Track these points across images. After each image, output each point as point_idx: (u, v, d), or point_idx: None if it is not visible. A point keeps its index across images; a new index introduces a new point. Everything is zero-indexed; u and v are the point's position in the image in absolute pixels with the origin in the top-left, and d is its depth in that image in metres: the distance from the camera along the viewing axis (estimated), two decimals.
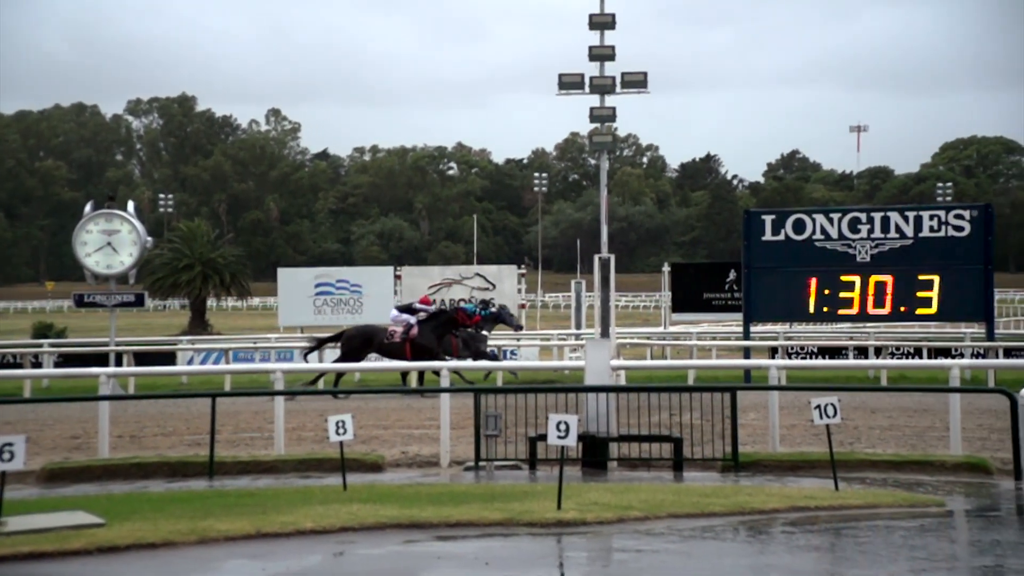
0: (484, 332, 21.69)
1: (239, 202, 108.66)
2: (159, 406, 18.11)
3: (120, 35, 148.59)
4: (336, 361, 20.88)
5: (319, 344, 22.00)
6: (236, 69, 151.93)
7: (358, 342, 21.06)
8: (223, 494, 10.38)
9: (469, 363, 19.45)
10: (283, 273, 32.68)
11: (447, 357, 20.10)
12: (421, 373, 20.13)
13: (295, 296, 30.69)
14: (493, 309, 22.30)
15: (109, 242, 22.61)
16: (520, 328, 23.30)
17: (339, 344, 21.42)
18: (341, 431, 10.00)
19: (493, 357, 21.93)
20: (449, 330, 21.06)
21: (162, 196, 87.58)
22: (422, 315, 21.12)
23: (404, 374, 20.25)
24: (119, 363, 22.45)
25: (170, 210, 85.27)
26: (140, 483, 11.52)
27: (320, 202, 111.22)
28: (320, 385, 20.02)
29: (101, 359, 23.03)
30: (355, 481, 10.47)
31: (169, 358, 25.43)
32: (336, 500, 9.32)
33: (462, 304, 24.03)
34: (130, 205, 23.84)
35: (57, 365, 24.70)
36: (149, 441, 14.65)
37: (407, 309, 21.56)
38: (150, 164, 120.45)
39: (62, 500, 9.85)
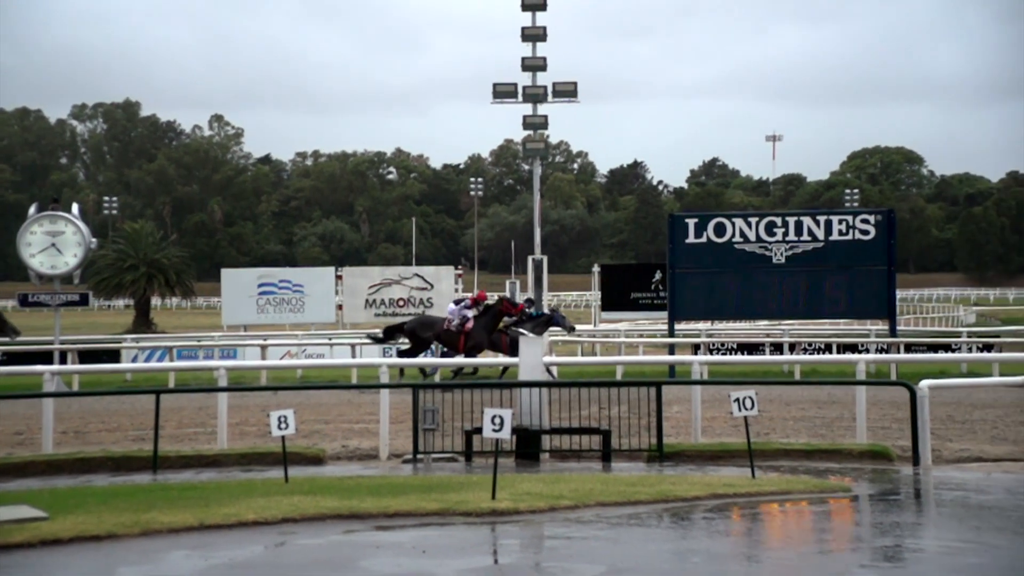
0: (534, 335, 21.20)
1: (183, 205, 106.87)
2: (103, 403, 17.76)
3: (63, 42, 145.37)
4: (405, 351, 21.13)
5: (391, 335, 21.70)
6: (179, 76, 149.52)
7: (421, 331, 21.07)
8: (166, 487, 10.21)
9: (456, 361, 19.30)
10: (227, 273, 32.26)
11: (498, 354, 20.16)
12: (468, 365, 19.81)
13: (238, 296, 30.32)
14: (547, 310, 21.78)
15: (54, 243, 22.13)
16: (572, 330, 22.45)
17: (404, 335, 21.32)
18: (283, 426, 9.90)
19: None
20: (498, 324, 20.80)
21: (107, 199, 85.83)
22: (470, 310, 20.90)
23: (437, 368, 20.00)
24: (63, 361, 21.96)
25: (115, 212, 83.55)
26: (84, 477, 11.27)
27: (263, 205, 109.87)
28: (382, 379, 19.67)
29: (46, 357, 22.49)
30: (296, 474, 10.37)
31: (114, 356, 24.93)
32: (278, 492, 9.22)
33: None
34: (74, 207, 23.35)
35: (1, 363, 24.07)
36: (93, 437, 14.36)
37: (463, 305, 21.30)
38: (95, 168, 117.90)
39: (5, 495, 9.59)
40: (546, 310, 22.27)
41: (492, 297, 24.81)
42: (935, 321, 42.62)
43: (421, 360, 20.28)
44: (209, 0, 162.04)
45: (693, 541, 7.86)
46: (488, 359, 19.97)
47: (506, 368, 18.98)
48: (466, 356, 20.25)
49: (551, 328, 21.30)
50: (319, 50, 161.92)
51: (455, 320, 20.92)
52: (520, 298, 25.51)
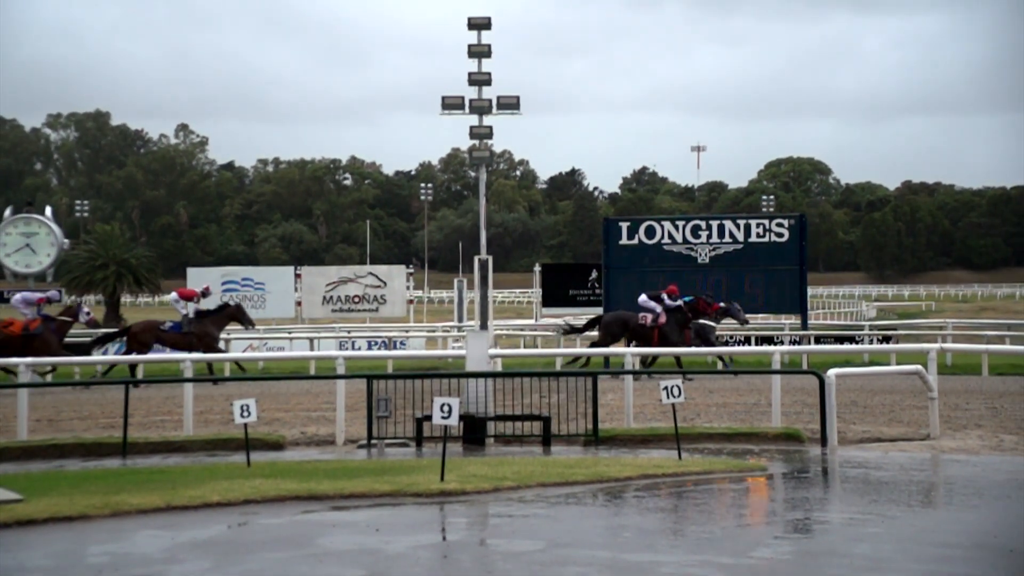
0: (713, 324, 20.52)
1: (151, 208, 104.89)
2: (75, 393, 17.38)
3: (35, 56, 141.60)
4: (595, 345, 20.37)
5: (580, 330, 20.92)
6: (146, 87, 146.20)
7: (616, 327, 20.27)
8: (135, 471, 10.05)
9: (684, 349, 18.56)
10: (192, 272, 31.80)
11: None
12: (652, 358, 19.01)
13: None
14: (722, 304, 20.93)
15: (28, 244, 21.69)
16: (746, 322, 21.74)
17: (595, 329, 20.57)
18: (245, 414, 9.79)
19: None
20: (689, 320, 20.08)
21: (78, 202, 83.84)
22: (657, 309, 20.08)
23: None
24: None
25: (86, 215, 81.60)
26: (57, 462, 11.03)
27: (226, 208, 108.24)
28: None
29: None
30: (258, 459, 10.25)
31: (85, 349, 24.38)
32: (240, 476, 9.11)
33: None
34: (48, 210, 22.91)
35: None
36: (66, 424, 14.04)
37: (656, 298, 20.43)
38: (67, 173, 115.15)
39: None
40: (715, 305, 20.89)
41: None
42: (841, 316, 43.44)
43: (609, 350, 19.34)
44: (171, 17, 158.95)
45: (625, 518, 7.92)
46: (671, 349, 18.57)
47: (678, 361, 18.45)
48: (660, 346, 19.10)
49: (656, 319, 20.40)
50: (276, 64, 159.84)
51: (649, 316, 19.99)
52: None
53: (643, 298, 20.48)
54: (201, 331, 20.41)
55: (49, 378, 18.62)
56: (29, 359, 14.89)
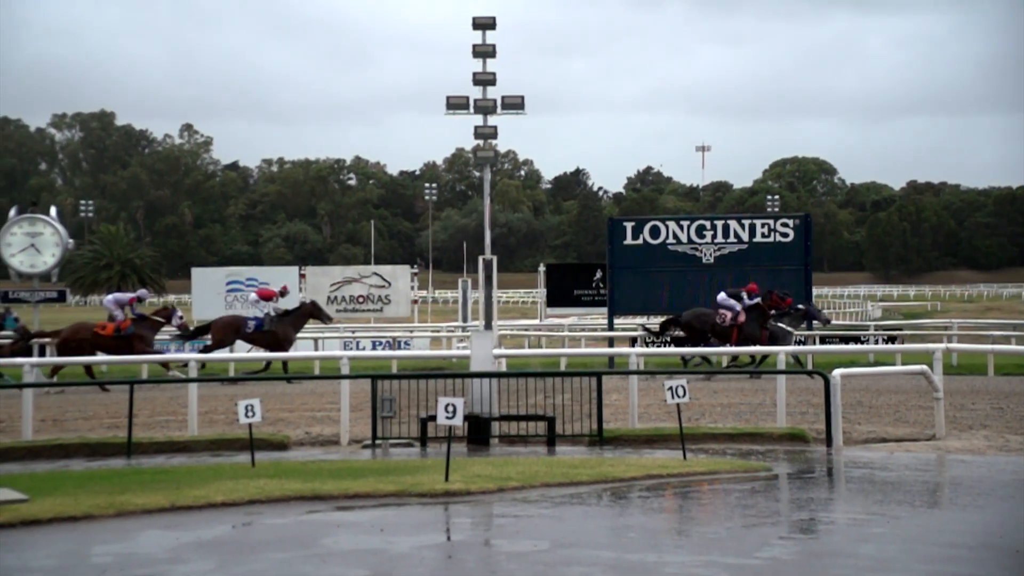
0: (790, 328, 20.37)
1: (155, 208, 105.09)
2: (80, 392, 17.41)
3: (41, 56, 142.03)
4: (681, 343, 20.26)
5: (666, 328, 20.80)
6: (151, 88, 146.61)
7: (698, 324, 20.12)
8: (140, 471, 10.06)
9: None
10: (197, 272, 31.79)
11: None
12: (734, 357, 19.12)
13: (208, 293, 29.87)
14: (801, 306, 20.86)
15: (33, 243, 21.75)
16: (828, 322, 21.56)
17: (679, 328, 20.43)
18: (250, 414, 9.80)
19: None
20: (767, 317, 19.96)
21: (83, 202, 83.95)
22: (736, 307, 19.99)
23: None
24: (42, 354, 21.50)
25: (91, 215, 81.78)
26: (62, 462, 11.05)
27: (231, 208, 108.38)
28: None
29: (25, 350, 21.99)
30: (262, 459, 10.27)
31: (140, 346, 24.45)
32: (245, 476, 9.12)
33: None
34: (53, 210, 22.97)
35: None
36: (70, 424, 14.06)
37: (735, 296, 20.31)
38: (71, 173, 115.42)
39: None
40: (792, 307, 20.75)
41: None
42: (846, 316, 43.37)
43: (702, 349, 19.21)
44: (175, 17, 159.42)
45: (629, 518, 7.91)
46: (749, 348, 18.67)
47: (764, 357, 18.31)
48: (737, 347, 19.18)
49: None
50: (280, 64, 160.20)
51: (728, 314, 19.91)
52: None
53: (722, 296, 20.32)
54: (281, 330, 20.76)
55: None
56: (34, 359, 14.93)
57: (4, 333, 21.23)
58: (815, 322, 21.63)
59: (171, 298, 59.65)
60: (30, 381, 13.58)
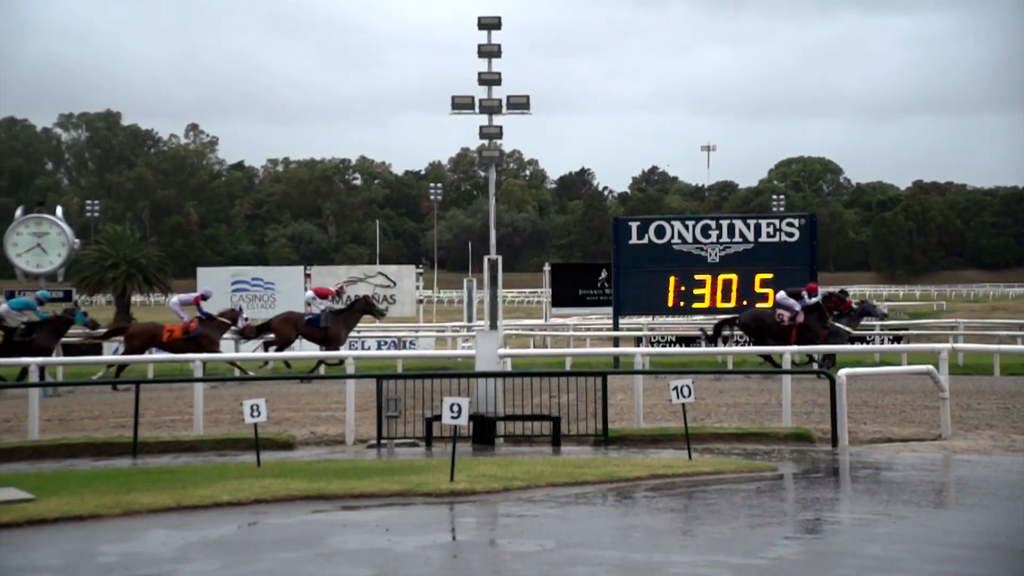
0: (848, 329, 20.21)
1: (161, 208, 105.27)
2: (86, 392, 17.45)
3: (47, 56, 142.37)
4: (733, 344, 20.26)
5: (720, 329, 20.71)
6: (157, 88, 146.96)
7: (756, 325, 19.99)
8: (146, 471, 10.08)
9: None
10: (203, 272, 31.83)
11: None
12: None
13: (214, 293, 29.88)
14: (855, 304, 20.69)
15: (39, 243, 21.81)
16: (886, 316, 21.29)
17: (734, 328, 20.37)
18: (255, 414, 9.81)
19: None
20: (827, 317, 19.79)
21: (89, 202, 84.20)
22: (796, 307, 19.79)
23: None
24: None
25: (96, 215, 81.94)
26: (68, 462, 11.08)
27: (236, 208, 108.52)
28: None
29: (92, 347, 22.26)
30: (268, 458, 10.29)
31: (96, 348, 24.50)
32: (250, 475, 9.14)
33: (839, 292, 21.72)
34: (59, 210, 23.02)
35: None
36: (76, 424, 14.10)
37: (795, 295, 20.12)
38: (77, 173, 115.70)
39: None
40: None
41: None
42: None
43: (769, 348, 18.67)
44: (180, 17, 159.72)
45: (635, 518, 7.91)
46: (816, 347, 18.21)
47: (827, 356, 18.07)
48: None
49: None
50: (285, 64, 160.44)
51: (786, 313, 19.74)
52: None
53: (781, 295, 20.17)
54: (335, 327, 21.14)
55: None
56: (40, 359, 14.98)
57: (72, 333, 21.29)
58: (871, 318, 21.43)
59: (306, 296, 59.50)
60: (34, 381, 13.61)
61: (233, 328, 20.96)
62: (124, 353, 19.72)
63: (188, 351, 19.05)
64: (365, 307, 22.12)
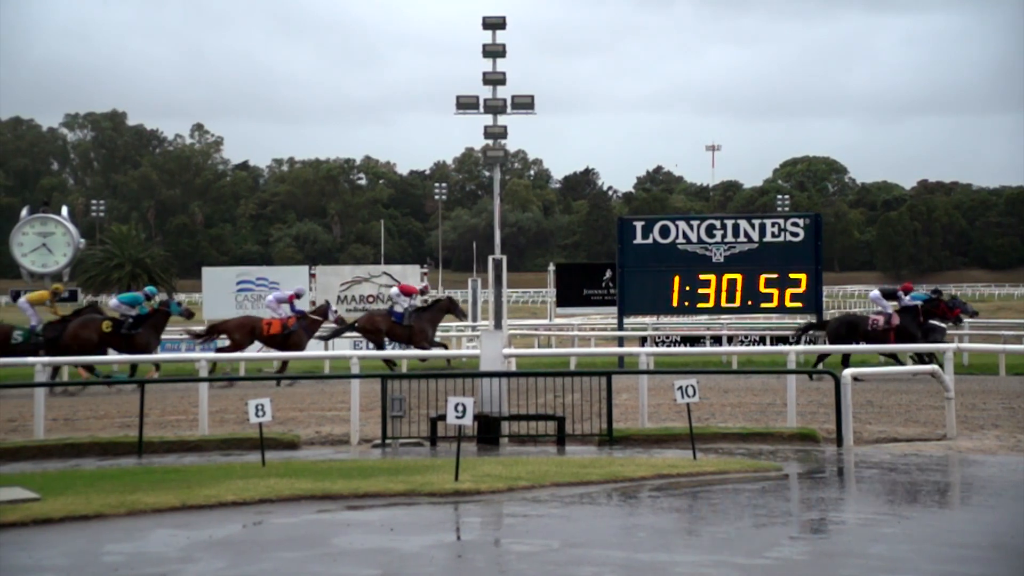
0: (943, 325, 19.90)
1: (166, 208, 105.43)
2: (91, 391, 17.48)
3: (52, 56, 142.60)
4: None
5: (806, 330, 20.52)
6: (162, 88, 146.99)
7: (844, 331, 19.78)
8: (151, 470, 10.10)
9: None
10: (207, 272, 31.88)
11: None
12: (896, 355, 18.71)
13: (218, 293, 29.93)
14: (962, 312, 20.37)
15: (44, 243, 21.82)
16: (976, 314, 21.11)
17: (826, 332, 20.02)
18: (260, 413, 9.82)
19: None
20: (925, 319, 19.52)
21: (94, 202, 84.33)
22: (889, 309, 19.66)
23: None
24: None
25: (102, 215, 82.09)
26: (73, 461, 11.10)
27: (241, 208, 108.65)
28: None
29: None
30: (273, 458, 10.29)
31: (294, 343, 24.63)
32: (255, 475, 9.14)
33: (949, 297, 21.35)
34: (64, 210, 23.02)
35: None
36: (82, 424, 14.12)
37: (891, 294, 19.98)
38: (83, 173, 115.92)
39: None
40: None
41: None
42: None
43: (848, 348, 18.53)
44: (185, 17, 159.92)
45: (639, 518, 7.91)
46: (906, 346, 18.19)
47: (932, 355, 17.45)
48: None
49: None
50: (290, 64, 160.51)
51: (880, 318, 19.51)
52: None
53: (875, 294, 20.01)
54: (419, 326, 21.28)
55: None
56: (46, 359, 15.01)
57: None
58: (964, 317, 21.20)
59: (182, 297, 59.84)
60: (41, 380, 13.63)
61: (325, 323, 21.25)
62: (229, 349, 19.97)
63: (281, 346, 19.72)
64: (449, 306, 22.18)
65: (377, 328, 21.30)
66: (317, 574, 6.17)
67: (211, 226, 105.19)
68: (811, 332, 20.46)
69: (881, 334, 19.23)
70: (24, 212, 22.55)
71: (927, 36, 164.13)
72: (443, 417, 10.61)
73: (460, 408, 8.88)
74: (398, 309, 21.57)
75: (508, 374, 12.62)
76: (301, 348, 19.81)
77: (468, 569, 6.37)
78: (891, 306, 19.99)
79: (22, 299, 20.35)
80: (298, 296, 21.34)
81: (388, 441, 11.88)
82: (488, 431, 11.95)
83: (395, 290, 22.46)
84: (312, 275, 31.13)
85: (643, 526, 7.51)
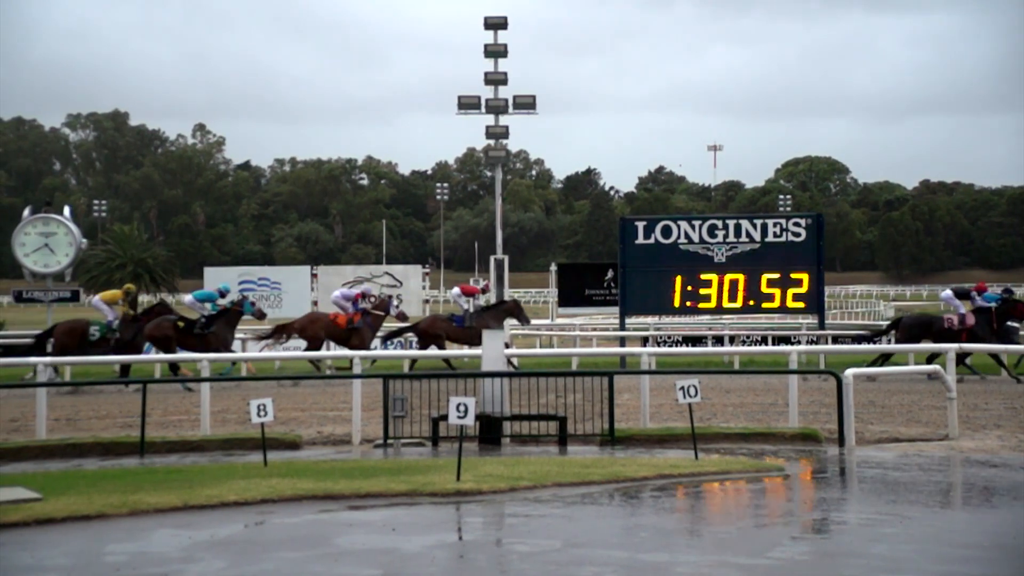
0: (1016, 325, 19.66)
1: (168, 208, 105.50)
2: (93, 391, 17.49)
3: (52, 56, 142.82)
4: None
5: (884, 332, 20.35)
6: (164, 88, 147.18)
7: (917, 331, 19.59)
8: (153, 470, 10.10)
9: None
10: (210, 272, 31.90)
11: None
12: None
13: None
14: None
15: (46, 243, 21.85)
16: None
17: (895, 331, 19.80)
18: (262, 413, 9.82)
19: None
20: (994, 322, 19.28)
21: (96, 202, 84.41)
22: (962, 309, 19.35)
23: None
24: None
25: (104, 215, 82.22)
26: (75, 461, 11.10)
27: (243, 208, 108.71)
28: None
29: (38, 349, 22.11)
30: (275, 458, 10.29)
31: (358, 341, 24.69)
32: (257, 475, 9.15)
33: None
34: (66, 210, 23.05)
35: None
36: (84, 424, 14.13)
37: (964, 295, 19.78)
38: (85, 173, 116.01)
39: (1, 477, 9.43)
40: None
41: None
42: (859, 315, 43.18)
43: (934, 347, 17.95)
44: (187, 17, 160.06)
45: (641, 518, 7.91)
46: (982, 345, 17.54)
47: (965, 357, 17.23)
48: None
49: (527, 322, 21.20)
50: (292, 64, 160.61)
51: (955, 319, 19.21)
52: None
53: (947, 294, 19.88)
54: (482, 326, 21.08)
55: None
56: (48, 359, 15.02)
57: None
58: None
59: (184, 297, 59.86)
60: (42, 380, 13.64)
61: (390, 315, 21.34)
62: (306, 349, 20.08)
63: (350, 341, 20.05)
64: (512, 309, 21.91)
65: (437, 334, 21.16)
66: (319, 574, 6.17)
67: (213, 226, 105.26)
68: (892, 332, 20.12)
69: (955, 335, 18.89)
70: (26, 212, 22.58)
71: (929, 36, 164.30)
72: (445, 417, 10.60)
73: (462, 408, 8.88)
74: (459, 311, 21.52)
75: (510, 374, 12.61)
76: (365, 345, 19.96)
77: (470, 569, 6.37)
78: (964, 306, 19.76)
79: (96, 298, 20.55)
80: (364, 296, 21.41)
81: (390, 441, 11.88)
82: (490, 431, 11.95)
83: (456, 291, 22.27)
84: (314, 275, 31.19)
85: (645, 526, 7.51)
